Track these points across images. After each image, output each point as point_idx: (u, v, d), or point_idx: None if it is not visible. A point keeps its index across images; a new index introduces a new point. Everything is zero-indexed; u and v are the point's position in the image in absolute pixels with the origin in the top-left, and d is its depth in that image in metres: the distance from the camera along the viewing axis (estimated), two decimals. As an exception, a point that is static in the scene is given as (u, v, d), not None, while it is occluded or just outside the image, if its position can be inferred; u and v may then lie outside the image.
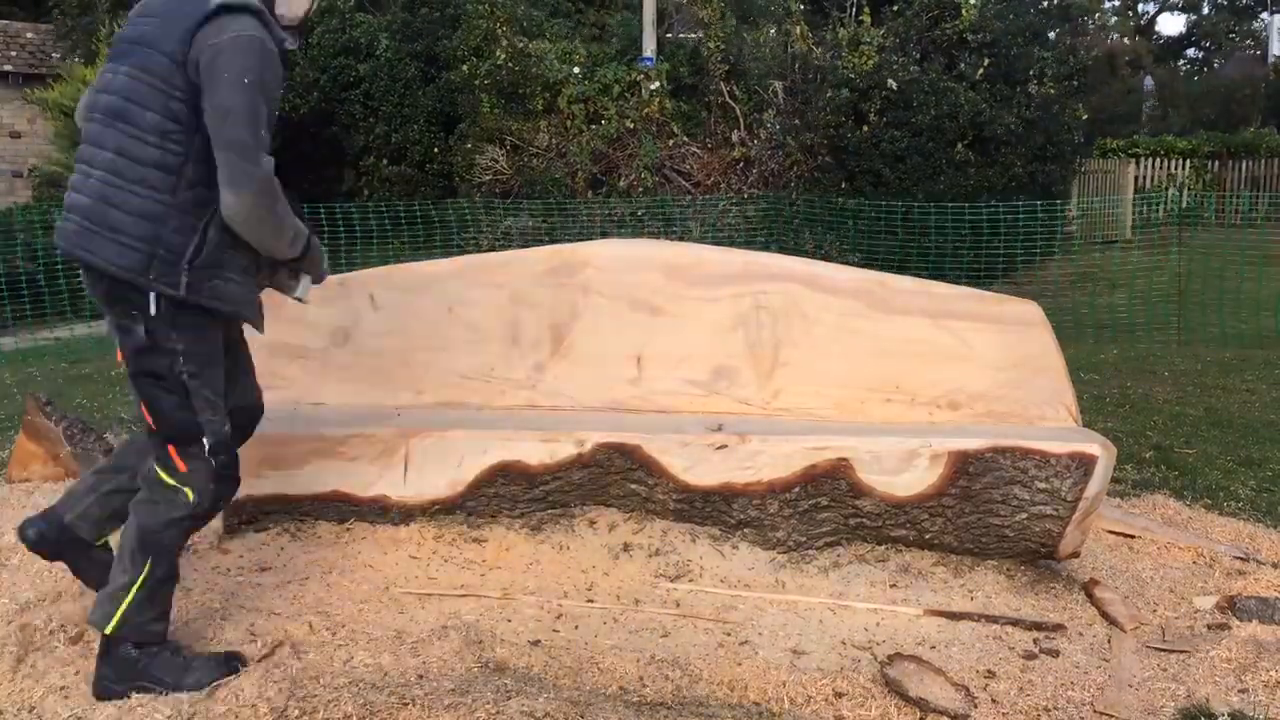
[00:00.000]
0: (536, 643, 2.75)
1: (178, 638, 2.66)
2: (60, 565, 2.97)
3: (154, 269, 2.36)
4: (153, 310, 2.38)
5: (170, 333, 2.41)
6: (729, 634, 2.82)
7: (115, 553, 2.58)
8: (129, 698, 2.43)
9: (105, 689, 2.45)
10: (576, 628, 2.86)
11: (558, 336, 3.67)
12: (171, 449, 2.47)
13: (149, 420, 2.47)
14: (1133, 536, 3.67)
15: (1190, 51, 35.47)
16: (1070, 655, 2.74)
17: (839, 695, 2.49)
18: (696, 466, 3.19)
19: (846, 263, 7.55)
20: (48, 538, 2.72)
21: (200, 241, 2.40)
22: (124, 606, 2.46)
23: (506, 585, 3.09)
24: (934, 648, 2.77)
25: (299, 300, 2.77)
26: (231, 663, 2.56)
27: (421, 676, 2.56)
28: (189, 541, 3.45)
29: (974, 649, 2.77)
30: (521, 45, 14.06)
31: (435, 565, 3.21)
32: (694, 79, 14.01)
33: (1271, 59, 27.48)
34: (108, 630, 2.46)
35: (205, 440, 2.49)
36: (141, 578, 2.46)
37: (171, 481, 2.48)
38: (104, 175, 2.38)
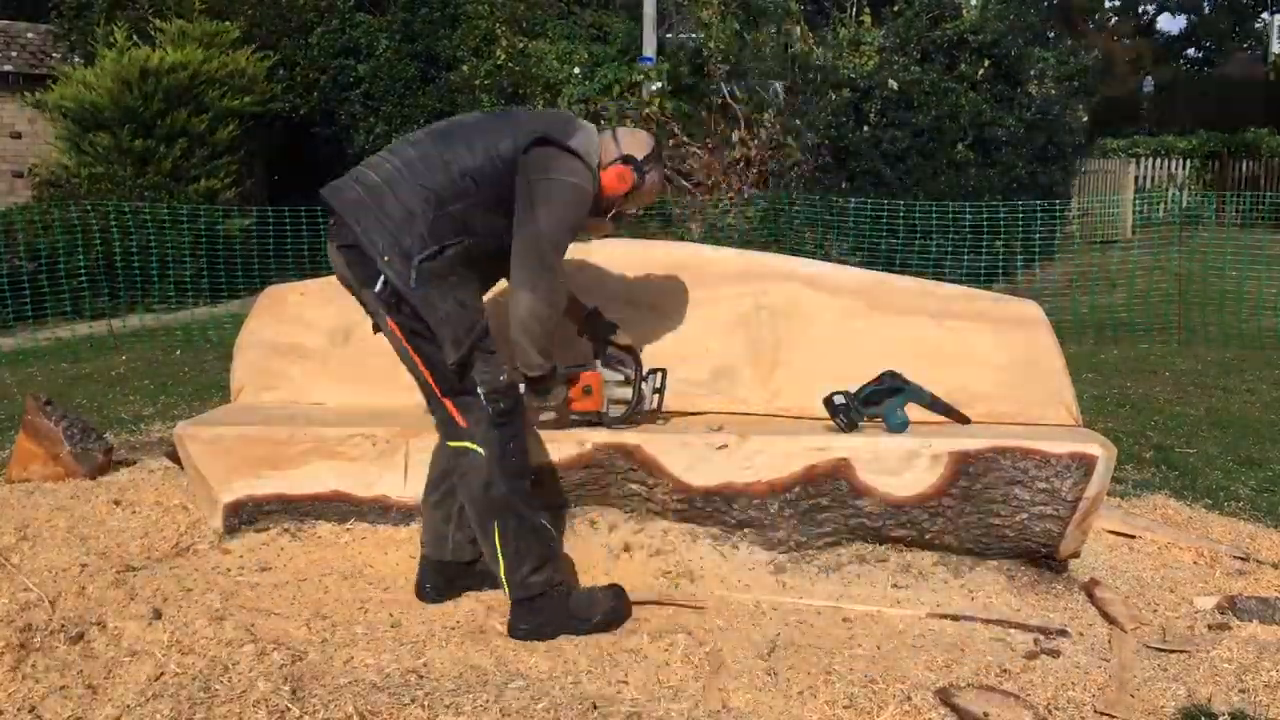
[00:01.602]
0: (539, 640, 2.75)
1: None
2: (58, 566, 2.98)
3: (394, 256, 2.61)
4: (377, 288, 2.63)
5: (434, 294, 2.64)
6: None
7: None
8: (550, 638, 2.70)
9: (522, 634, 2.71)
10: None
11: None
12: (450, 405, 2.68)
13: (429, 380, 2.67)
14: (1133, 536, 3.67)
15: (1190, 51, 35.47)
16: (1071, 655, 2.74)
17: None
18: (697, 466, 3.18)
19: (847, 263, 7.54)
20: (442, 588, 2.95)
21: (435, 252, 2.65)
22: (502, 576, 2.70)
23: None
24: (935, 648, 2.77)
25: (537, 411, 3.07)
26: (619, 593, 2.84)
27: (422, 677, 2.56)
28: (189, 546, 3.45)
29: (975, 649, 2.77)
30: (521, 45, 14.07)
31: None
32: (694, 79, 14.01)
33: (1271, 59, 27.48)
34: (511, 600, 2.72)
35: (480, 387, 2.67)
36: (497, 545, 2.67)
37: (460, 444, 2.68)
38: (401, 167, 2.71)
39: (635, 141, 2.96)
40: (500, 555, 2.67)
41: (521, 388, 2.83)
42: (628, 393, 3.19)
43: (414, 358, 2.67)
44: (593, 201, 2.83)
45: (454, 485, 2.82)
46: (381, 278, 2.62)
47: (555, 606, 2.73)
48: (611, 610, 2.80)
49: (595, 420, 3.19)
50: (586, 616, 2.76)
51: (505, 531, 2.67)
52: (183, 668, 2.58)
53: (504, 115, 2.93)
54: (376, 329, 2.82)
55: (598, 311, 3.23)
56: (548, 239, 2.72)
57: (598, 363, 3.21)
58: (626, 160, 2.91)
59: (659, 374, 3.31)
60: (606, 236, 3.30)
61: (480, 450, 2.66)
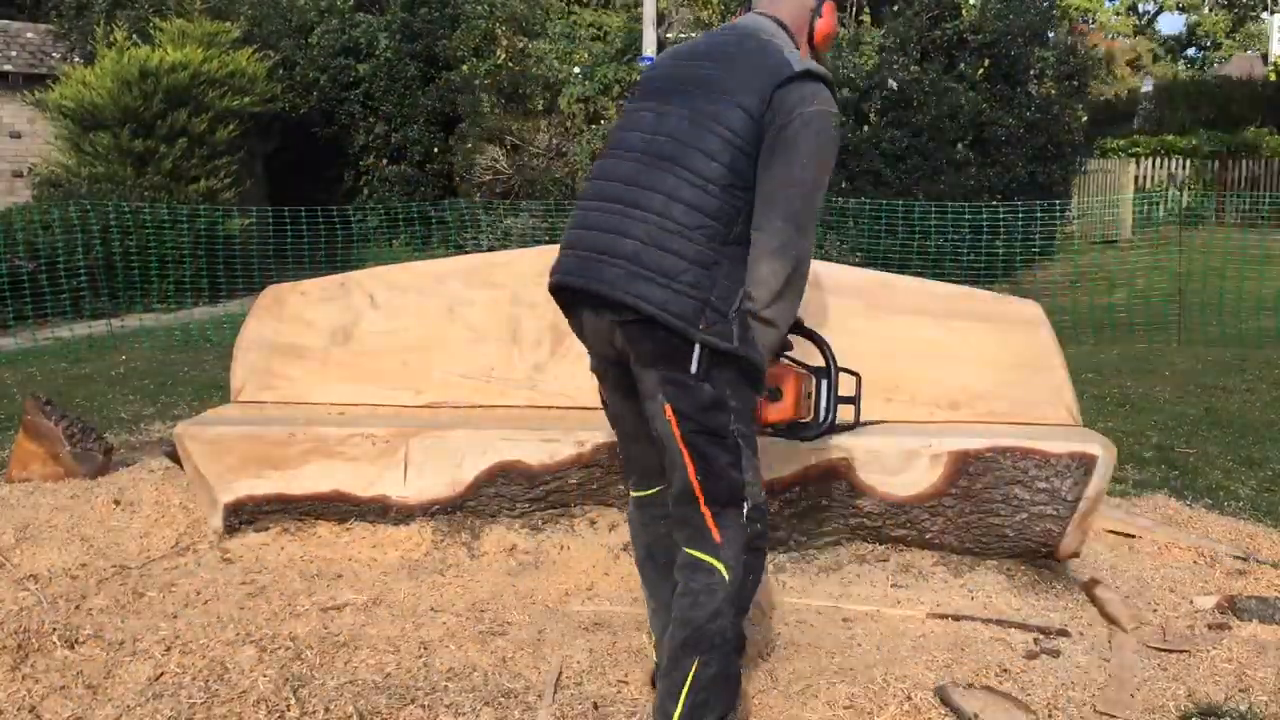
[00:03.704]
0: (540, 641, 2.75)
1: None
2: (58, 566, 2.98)
3: (705, 319, 2.16)
4: (694, 365, 2.17)
5: (725, 389, 2.21)
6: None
7: (664, 661, 2.28)
8: None
9: None
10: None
11: (558, 336, 3.66)
12: (709, 516, 2.23)
13: (694, 484, 2.22)
14: (1133, 536, 3.67)
15: (1190, 51, 35.48)
16: (1071, 655, 2.74)
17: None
18: (696, 466, 3.18)
19: (847, 263, 7.55)
20: None
21: (743, 292, 2.22)
22: (676, 716, 2.17)
23: (507, 585, 3.09)
24: (935, 648, 2.77)
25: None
26: None
27: (423, 676, 2.56)
28: (189, 546, 3.45)
29: (975, 649, 2.77)
30: (521, 45, 14.07)
31: (435, 564, 3.21)
32: (694, 79, 14.00)
33: (1272, 59, 27.50)
34: None
35: (744, 504, 2.25)
36: (686, 685, 2.17)
37: (705, 558, 2.22)
38: (658, 220, 2.19)
39: None
40: (684, 697, 2.17)
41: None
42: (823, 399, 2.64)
43: (685, 455, 2.21)
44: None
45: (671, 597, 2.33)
46: (696, 351, 2.16)
47: None
48: None
49: (784, 432, 2.59)
50: None
51: (702, 674, 2.18)
52: (183, 668, 2.58)
53: (702, 85, 2.29)
54: (608, 408, 2.42)
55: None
56: (807, 191, 2.24)
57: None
58: None
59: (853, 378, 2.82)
60: None
61: (725, 574, 2.20)
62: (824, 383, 2.59)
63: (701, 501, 2.22)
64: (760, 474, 2.31)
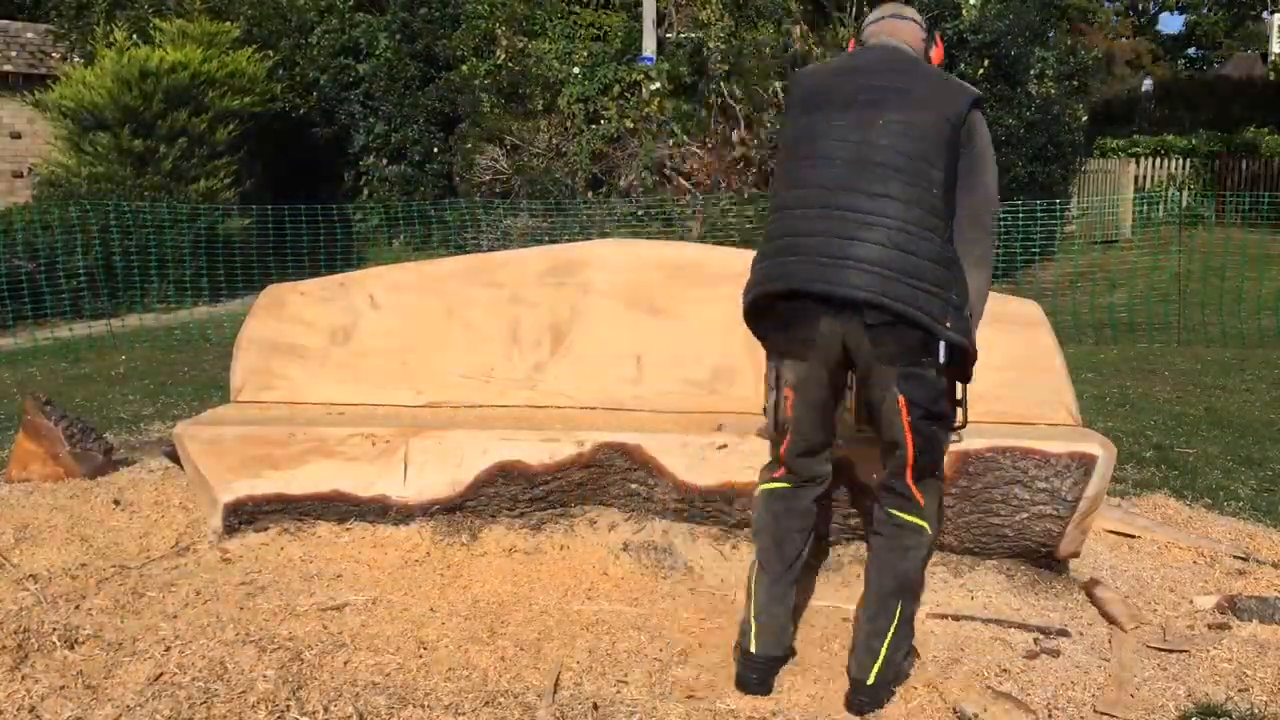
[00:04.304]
0: (540, 641, 2.75)
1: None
2: (58, 566, 2.97)
3: (949, 316, 2.37)
4: (942, 358, 2.39)
5: (951, 380, 2.50)
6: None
7: (865, 608, 2.57)
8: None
9: (861, 709, 2.47)
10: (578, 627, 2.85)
11: (557, 336, 3.67)
12: (913, 486, 2.49)
13: (910, 460, 2.47)
14: (1133, 536, 3.67)
15: (1190, 51, 35.47)
16: (1071, 655, 2.74)
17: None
18: (696, 466, 3.19)
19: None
20: (770, 683, 2.59)
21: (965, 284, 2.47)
22: (882, 656, 2.47)
23: (506, 585, 3.09)
24: (935, 648, 2.77)
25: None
26: (910, 651, 2.64)
27: (422, 676, 2.56)
28: (189, 546, 3.45)
29: (975, 649, 2.77)
30: (521, 45, 14.07)
31: (436, 564, 3.21)
32: (694, 79, 14.00)
33: (1271, 58, 27.49)
34: (868, 681, 2.47)
35: (939, 472, 2.56)
36: (895, 623, 2.49)
37: (912, 519, 2.50)
38: (896, 223, 2.35)
39: (906, 7, 2.75)
40: (892, 635, 2.48)
41: None
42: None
43: (908, 438, 2.44)
44: None
45: (797, 577, 2.65)
46: (943, 347, 2.38)
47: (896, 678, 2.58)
48: (905, 672, 2.62)
49: None
50: (901, 678, 2.60)
51: (905, 615, 2.52)
52: (182, 668, 2.57)
53: (880, 87, 2.49)
54: (775, 397, 2.57)
55: None
56: (995, 199, 2.59)
57: None
58: (931, 27, 2.72)
59: None
60: None
61: (929, 530, 2.52)
62: (964, 386, 2.75)
63: (910, 474, 2.49)
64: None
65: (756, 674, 2.55)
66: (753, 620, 2.58)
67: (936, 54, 2.67)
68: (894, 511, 2.52)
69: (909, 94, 2.45)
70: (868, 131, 2.41)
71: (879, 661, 2.47)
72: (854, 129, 2.43)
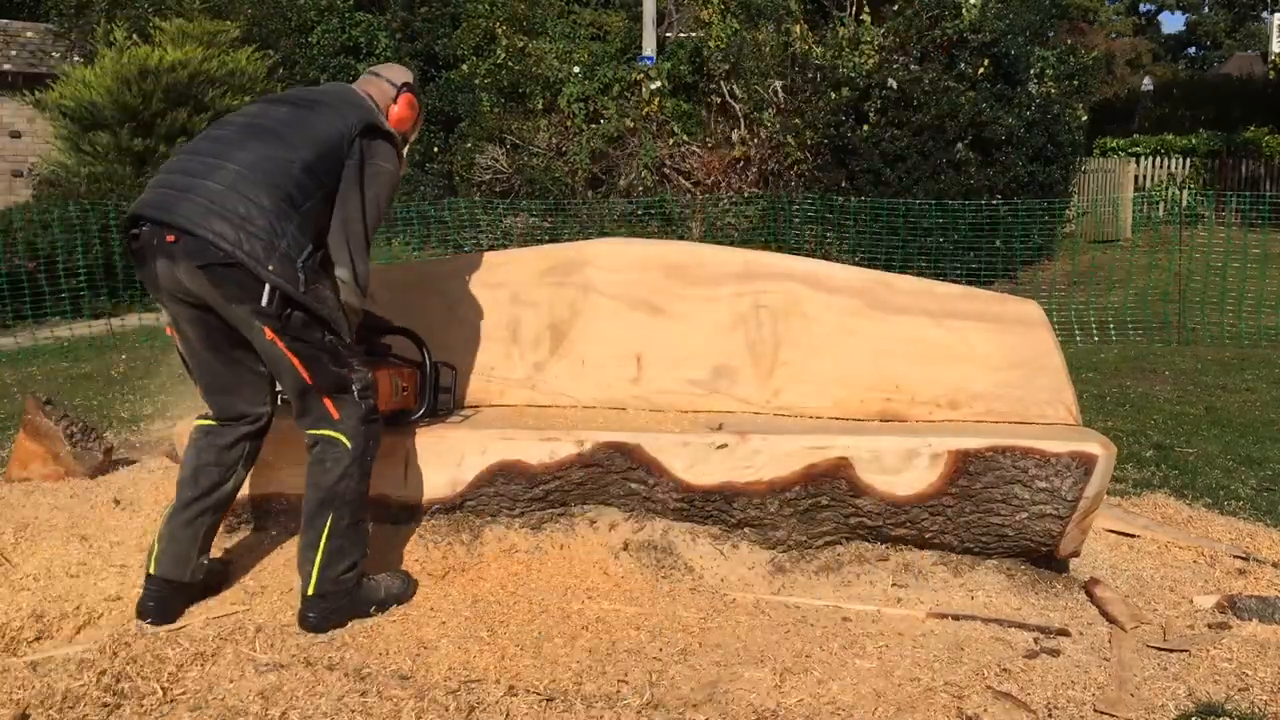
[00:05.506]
0: (540, 641, 2.75)
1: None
2: (61, 565, 2.96)
3: (273, 261, 2.61)
4: (264, 302, 2.61)
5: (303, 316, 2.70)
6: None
7: (301, 530, 2.80)
8: (336, 627, 2.75)
9: (314, 625, 2.73)
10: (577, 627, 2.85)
11: (558, 336, 3.67)
12: (328, 401, 2.75)
13: (304, 378, 2.72)
14: (1133, 536, 3.67)
15: (1191, 51, 35.48)
16: (1071, 655, 2.74)
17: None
18: (696, 466, 3.18)
19: (847, 262, 7.54)
20: (173, 610, 2.84)
21: (311, 251, 2.71)
22: (315, 568, 2.71)
23: (506, 584, 3.09)
24: (935, 648, 2.77)
25: None
26: (408, 581, 2.94)
27: (422, 676, 2.56)
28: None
29: (975, 649, 2.77)
30: (521, 45, 14.07)
31: (435, 564, 3.21)
32: (694, 79, 14.01)
33: (1271, 58, 27.48)
34: (308, 592, 2.72)
35: (353, 388, 2.79)
36: (325, 534, 2.71)
37: (328, 433, 2.75)
38: (239, 171, 2.67)
39: (396, 70, 3.12)
40: (322, 547, 2.72)
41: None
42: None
43: (293, 361, 2.70)
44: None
45: (208, 506, 2.85)
46: (266, 289, 2.61)
47: (349, 597, 2.80)
48: (398, 594, 2.91)
49: (391, 420, 3.13)
50: (373, 602, 2.84)
51: (337, 526, 2.73)
52: (183, 668, 2.57)
53: (307, 103, 2.90)
54: (177, 333, 2.82)
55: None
56: (372, 227, 2.87)
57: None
58: (408, 87, 3.07)
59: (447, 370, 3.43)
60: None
61: (347, 443, 2.75)
62: (420, 377, 3.17)
63: (317, 391, 2.74)
64: (363, 366, 2.86)
65: (154, 599, 2.79)
66: (155, 543, 2.83)
67: (398, 113, 3.04)
68: (310, 430, 2.77)
69: (318, 100, 2.93)
70: (271, 110, 2.91)
71: (314, 571, 2.71)
72: (261, 107, 2.98)
